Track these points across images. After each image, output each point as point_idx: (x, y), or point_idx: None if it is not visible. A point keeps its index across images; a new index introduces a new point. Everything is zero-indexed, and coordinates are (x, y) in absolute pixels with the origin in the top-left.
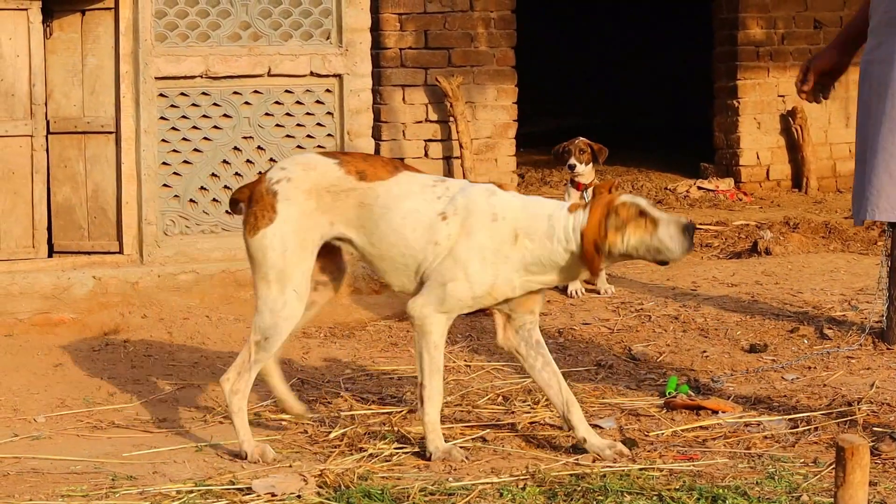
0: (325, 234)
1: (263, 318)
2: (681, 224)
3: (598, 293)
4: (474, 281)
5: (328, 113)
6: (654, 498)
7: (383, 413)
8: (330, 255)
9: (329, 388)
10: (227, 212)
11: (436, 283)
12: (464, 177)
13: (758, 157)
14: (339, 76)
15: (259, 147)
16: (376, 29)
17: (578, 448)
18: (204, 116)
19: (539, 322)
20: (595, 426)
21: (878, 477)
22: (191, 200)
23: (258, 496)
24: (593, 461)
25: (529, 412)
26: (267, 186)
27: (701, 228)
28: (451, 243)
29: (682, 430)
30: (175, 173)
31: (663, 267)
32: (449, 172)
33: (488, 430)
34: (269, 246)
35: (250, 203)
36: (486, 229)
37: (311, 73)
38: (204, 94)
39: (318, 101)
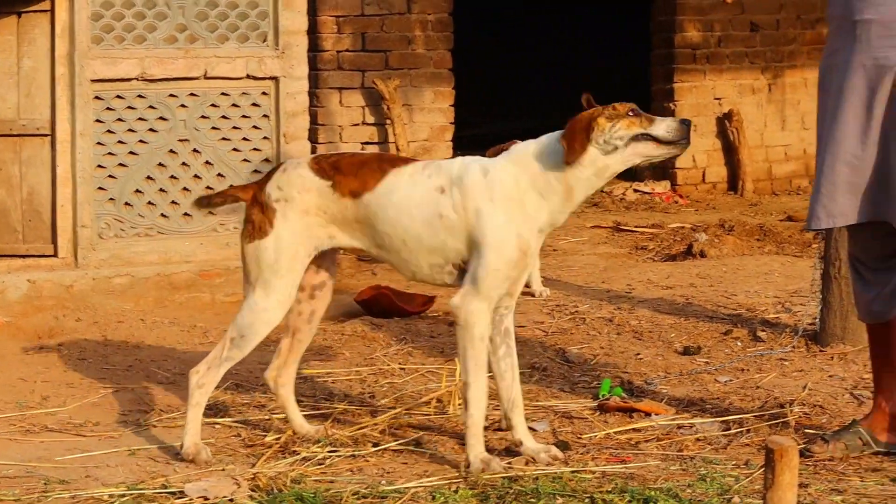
0: (320, 246)
1: (244, 317)
2: (677, 119)
3: (533, 296)
4: (501, 246)
5: (264, 115)
6: (587, 500)
7: (317, 416)
8: (323, 259)
9: (263, 391)
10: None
11: (469, 272)
12: None
13: (694, 160)
14: (275, 79)
15: (195, 150)
16: (313, 31)
17: (512, 451)
18: (140, 119)
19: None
20: (529, 429)
21: (809, 479)
22: (126, 203)
23: (191, 500)
24: (526, 464)
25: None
26: (266, 201)
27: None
28: (461, 217)
29: (615, 433)
30: (110, 176)
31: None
32: None
33: (422, 433)
34: (261, 257)
35: (249, 210)
36: (486, 191)
37: (248, 76)
38: (140, 96)
39: (254, 104)
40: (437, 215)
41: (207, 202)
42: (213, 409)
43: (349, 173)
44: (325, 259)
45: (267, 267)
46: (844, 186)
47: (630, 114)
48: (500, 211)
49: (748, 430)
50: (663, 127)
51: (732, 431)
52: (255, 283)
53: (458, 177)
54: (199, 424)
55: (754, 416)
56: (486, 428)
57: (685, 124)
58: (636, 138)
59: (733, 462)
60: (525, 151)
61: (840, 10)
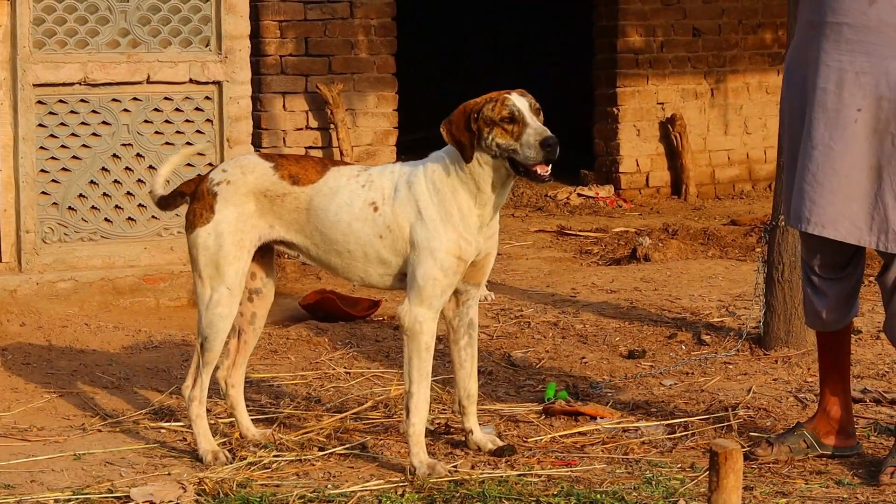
0: (263, 236)
1: (200, 319)
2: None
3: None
4: (438, 254)
5: (207, 120)
6: (533, 503)
7: (262, 420)
8: (261, 261)
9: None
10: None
11: (410, 279)
12: None
13: (637, 164)
14: (218, 83)
15: (138, 154)
16: (256, 36)
17: (456, 455)
18: (83, 123)
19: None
20: None
21: (754, 482)
22: (69, 208)
23: None
24: (472, 467)
25: None
26: (208, 187)
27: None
28: (398, 235)
29: (561, 436)
30: (54, 181)
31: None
32: None
33: (368, 438)
34: (204, 244)
35: (192, 200)
36: (415, 203)
37: (191, 80)
38: (83, 101)
39: (197, 108)
40: (376, 235)
41: (167, 202)
42: (158, 414)
43: (292, 160)
44: (263, 262)
45: (212, 255)
46: (828, 192)
47: (506, 121)
48: (430, 221)
49: (693, 434)
50: (523, 153)
51: (677, 435)
52: (202, 274)
53: (389, 194)
54: (208, 431)
55: (699, 419)
56: (432, 431)
57: (546, 146)
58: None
59: (679, 465)
60: (442, 154)
61: (811, 10)
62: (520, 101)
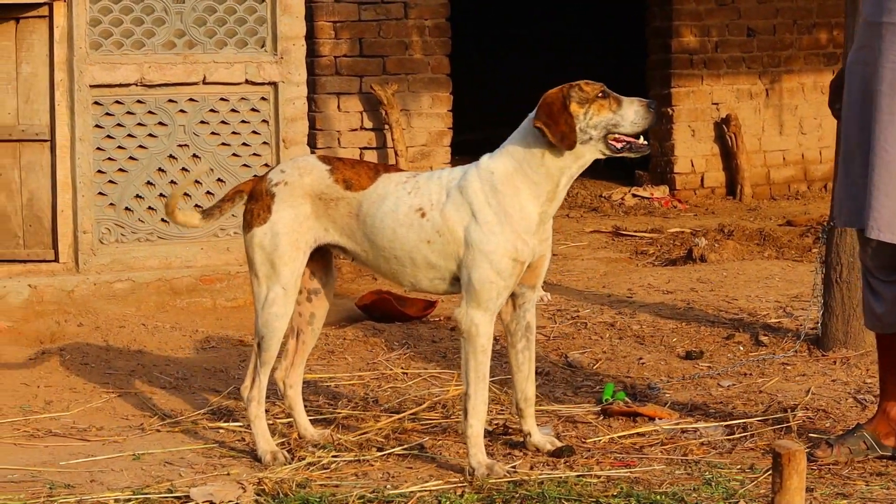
0: (318, 238)
1: (257, 319)
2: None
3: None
4: (494, 256)
5: (263, 121)
6: None
7: (320, 421)
8: (319, 261)
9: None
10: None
11: (466, 283)
12: None
13: (692, 165)
14: (274, 84)
15: (194, 155)
16: (311, 37)
17: (515, 456)
18: (139, 124)
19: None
20: None
21: (814, 483)
22: (126, 209)
23: None
24: (531, 468)
25: None
26: (266, 187)
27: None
28: (448, 240)
29: (619, 437)
30: (110, 181)
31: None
32: None
33: (426, 438)
34: (260, 244)
35: (249, 200)
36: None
37: (246, 81)
38: (139, 101)
39: (253, 109)
40: (424, 241)
41: (219, 211)
42: (216, 414)
43: (348, 164)
44: (321, 262)
45: (268, 254)
46: (883, 196)
47: (600, 96)
48: (485, 223)
49: (752, 435)
50: (630, 119)
51: (736, 436)
52: (258, 274)
53: (438, 199)
54: (267, 432)
55: (758, 420)
56: (490, 432)
57: (651, 108)
58: (607, 131)
59: (738, 466)
60: (503, 154)
61: (869, 9)
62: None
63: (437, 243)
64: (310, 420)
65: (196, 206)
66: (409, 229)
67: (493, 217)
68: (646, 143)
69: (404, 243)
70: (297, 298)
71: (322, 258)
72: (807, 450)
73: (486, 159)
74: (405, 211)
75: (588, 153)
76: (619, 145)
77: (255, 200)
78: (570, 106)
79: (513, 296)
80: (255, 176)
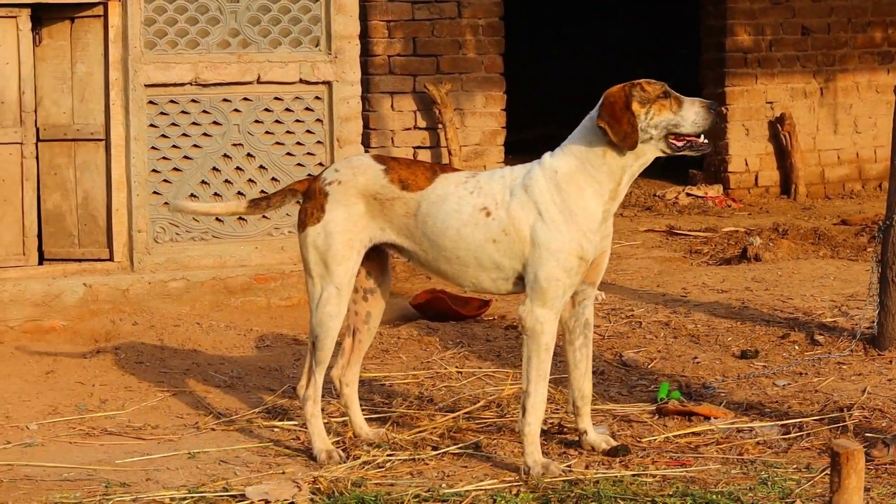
0: (374, 238)
1: (311, 319)
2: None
3: None
4: (560, 255)
5: (318, 120)
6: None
7: (375, 419)
8: (375, 260)
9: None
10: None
11: (532, 281)
12: None
13: (746, 164)
14: (328, 83)
15: (249, 154)
16: (365, 36)
17: (570, 455)
18: (193, 124)
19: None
20: None
21: (871, 483)
22: None
23: (251, 503)
24: (586, 467)
25: None
26: (320, 186)
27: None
28: (513, 238)
29: (675, 436)
30: (165, 180)
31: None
32: None
33: (481, 437)
34: (313, 243)
35: (304, 199)
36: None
37: (301, 80)
38: (193, 101)
39: (307, 109)
40: (489, 240)
41: (266, 204)
42: (271, 413)
43: (404, 164)
44: (377, 262)
45: (321, 254)
46: None
47: (662, 97)
48: (552, 222)
49: (808, 434)
50: (690, 119)
51: (792, 435)
52: (312, 273)
53: (503, 198)
54: (323, 431)
55: (814, 419)
56: (545, 431)
57: (712, 109)
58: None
59: (794, 466)
60: (565, 152)
61: None
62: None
63: (502, 242)
64: (365, 418)
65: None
66: (475, 229)
67: (558, 215)
68: (706, 141)
69: (469, 243)
70: (353, 297)
71: (378, 257)
72: (863, 449)
73: (548, 158)
74: (469, 211)
75: (649, 152)
76: (679, 143)
77: (310, 199)
78: (632, 105)
79: (573, 293)
80: (309, 175)
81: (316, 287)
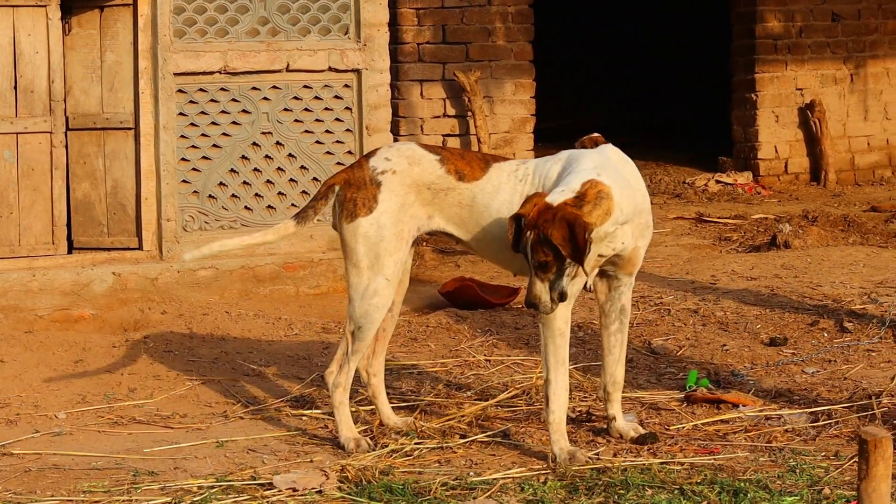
0: (422, 227)
1: (355, 308)
2: None
3: None
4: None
5: (347, 108)
6: (676, 492)
7: (403, 408)
8: None
9: None
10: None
11: None
12: None
13: (776, 151)
14: (357, 71)
15: (278, 142)
16: (394, 24)
17: (598, 443)
18: (223, 112)
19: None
20: None
21: None
22: (210, 196)
23: (279, 491)
24: (614, 455)
25: None
26: (371, 176)
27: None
28: None
29: (703, 424)
30: (194, 169)
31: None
32: None
33: (510, 425)
34: (365, 234)
35: (348, 189)
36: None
37: (330, 69)
38: (222, 89)
39: (336, 97)
40: None
41: (313, 212)
42: (299, 402)
43: (457, 154)
44: None
45: (373, 245)
46: None
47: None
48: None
49: (837, 422)
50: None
51: (821, 423)
52: (359, 264)
53: (542, 179)
54: (350, 419)
55: (842, 407)
56: (574, 419)
57: None
58: None
59: (822, 453)
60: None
61: None
62: None
63: None
64: (392, 407)
65: (279, 193)
66: None
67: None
68: None
69: None
70: None
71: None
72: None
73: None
74: (519, 201)
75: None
76: None
77: (359, 189)
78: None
79: (608, 278)
80: (342, 168)
81: (362, 278)
